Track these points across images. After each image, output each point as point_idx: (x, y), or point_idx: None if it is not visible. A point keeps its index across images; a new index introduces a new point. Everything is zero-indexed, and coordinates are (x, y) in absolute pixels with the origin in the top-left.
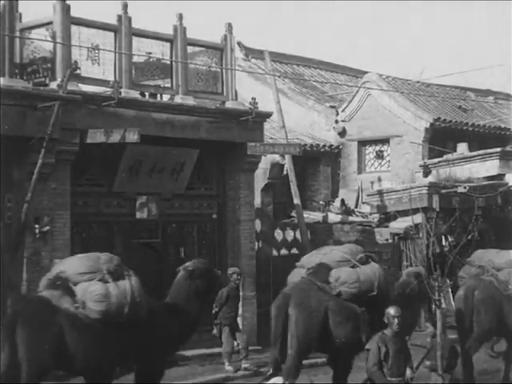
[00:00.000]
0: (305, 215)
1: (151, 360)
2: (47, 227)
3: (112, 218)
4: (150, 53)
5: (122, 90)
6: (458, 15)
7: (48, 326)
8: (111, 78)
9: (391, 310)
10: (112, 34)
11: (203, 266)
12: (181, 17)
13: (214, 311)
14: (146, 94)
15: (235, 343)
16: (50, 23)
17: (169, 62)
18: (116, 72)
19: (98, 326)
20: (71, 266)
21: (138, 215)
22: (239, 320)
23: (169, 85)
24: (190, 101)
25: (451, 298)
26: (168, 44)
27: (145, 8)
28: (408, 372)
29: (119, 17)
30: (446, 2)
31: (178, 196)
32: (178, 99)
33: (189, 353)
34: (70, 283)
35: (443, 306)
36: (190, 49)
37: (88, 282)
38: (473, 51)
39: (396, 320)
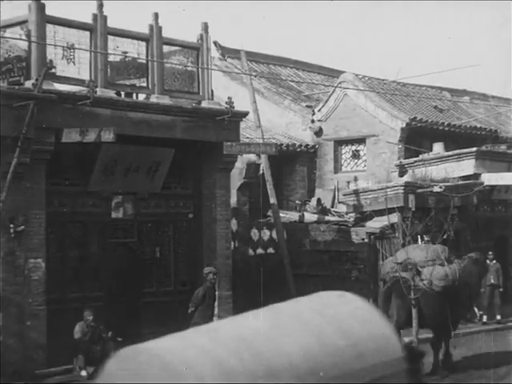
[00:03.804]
0: (281, 215)
1: (456, 318)
2: (22, 227)
3: (87, 218)
4: (126, 52)
5: (97, 89)
6: (436, 15)
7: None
8: (87, 77)
9: None
10: (87, 33)
11: (481, 257)
12: (156, 16)
13: (190, 311)
14: (122, 93)
15: None
16: (25, 22)
17: (145, 62)
18: (91, 71)
19: (439, 296)
20: (417, 254)
21: (114, 215)
22: (215, 320)
23: (145, 84)
24: (166, 100)
25: None
26: (144, 43)
27: (120, 7)
28: None
29: (95, 16)
30: (424, 2)
31: (154, 195)
32: (154, 98)
33: None
34: (418, 267)
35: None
36: (165, 48)
37: (432, 266)
38: (450, 51)
39: None
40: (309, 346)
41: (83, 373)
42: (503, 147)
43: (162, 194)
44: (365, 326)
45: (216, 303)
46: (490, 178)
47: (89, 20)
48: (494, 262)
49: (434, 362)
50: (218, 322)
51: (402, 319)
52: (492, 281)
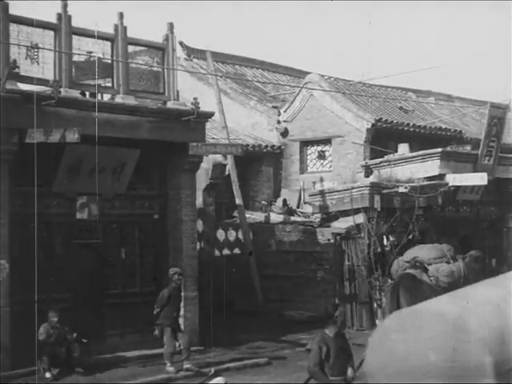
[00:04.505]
0: (247, 215)
1: None
2: None
3: (52, 219)
4: (91, 52)
5: (61, 89)
6: (402, 16)
7: (418, 292)
8: (51, 77)
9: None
10: (52, 32)
11: (482, 255)
12: (121, 16)
13: (155, 312)
14: (87, 93)
15: (177, 344)
16: None
17: (109, 62)
18: (56, 71)
19: (445, 291)
20: (424, 253)
21: (78, 215)
22: (181, 320)
23: (110, 84)
24: (131, 100)
25: None
26: (109, 43)
27: (85, 7)
28: (349, 371)
29: (59, 15)
30: (392, 3)
31: (119, 196)
32: (119, 99)
33: (130, 354)
34: (425, 264)
35: (384, 304)
36: (131, 48)
37: (439, 263)
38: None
39: (339, 320)
40: None
41: (47, 374)
42: (468, 148)
43: (127, 195)
44: None
45: (182, 304)
46: (454, 179)
47: (53, 20)
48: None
49: None
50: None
51: None
52: None
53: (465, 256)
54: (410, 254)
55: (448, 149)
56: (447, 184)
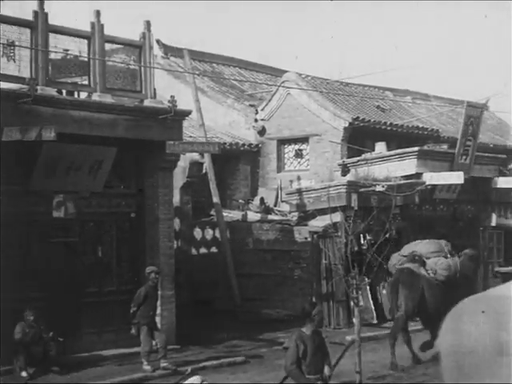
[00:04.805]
0: (224, 214)
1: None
2: None
3: (28, 217)
4: (67, 50)
5: (38, 87)
6: (380, 14)
7: (416, 286)
8: (27, 75)
9: (311, 308)
10: (28, 30)
11: (476, 253)
12: (98, 14)
13: (131, 310)
14: (64, 91)
15: (153, 342)
16: None
17: (86, 60)
18: (32, 69)
19: (441, 285)
20: (422, 247)
21: (55, 214)
22: (157, 319)
23: (86, 82)
24: (108, 99)
25: (369, 295)
26: (85, 41)
27: (62, 4)
28: (326, 370)
29: (35, 13)
30: (368, 2)
31: (96, 194)
32: (96, 97)
33: (107, 353)
34: (423, 258)
35: (361, 303)
36: (107, 46)
37: (437, 257)
38: (395, 51)
39: (316, 318)
40: None
41: (24, 374)
42: (445, 147)
43: (104, 193)
44: None
45: (158, 303)
46: (431, 178)
47: (30, 17)
48: None
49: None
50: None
51: (411, 310)
52: None
53: (460, 254)
54: (407, 249)
55: (425, 148)
56: (424, 183)
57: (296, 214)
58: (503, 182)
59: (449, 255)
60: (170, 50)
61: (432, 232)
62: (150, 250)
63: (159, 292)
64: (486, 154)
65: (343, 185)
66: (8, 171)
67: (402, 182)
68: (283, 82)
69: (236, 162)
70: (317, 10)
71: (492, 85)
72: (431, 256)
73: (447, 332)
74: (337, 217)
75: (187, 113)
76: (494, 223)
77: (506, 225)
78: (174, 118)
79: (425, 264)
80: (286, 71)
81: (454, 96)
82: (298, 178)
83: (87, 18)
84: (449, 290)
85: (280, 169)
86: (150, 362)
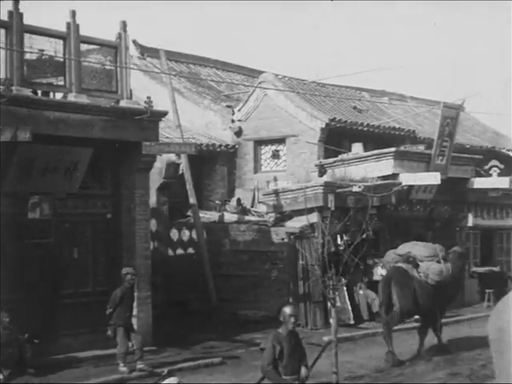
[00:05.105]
0: (201, 215)
1: (443, 309)
2: None
3: (3, 218)
4: (43, 50)
5: (13, 87)
6: (358, 15)
7: (408, 285)
8: (2, 76)
9: (287, 309)
10: (3, 30)
11: (464, 251)
12: (74, 14)
13: (108, 312)
14: (39, 91)
15: (130, 344)
16: None
17: (62, 60)
18: (7, 69)
19: (432, 288)
20: (418, 250)
21: (31, 215)
22: (134, 320)
23: (62, 83)
24: (84, 99)
25: (346, 296)
26: (61, 41)
27: (37, 4)
28: (303, 370)
29: (10, 13)
30: (346, 2)
31: (72, 195)
32: (72, 97)
33: (83, 354)
34: (417, 261)
35: (338, 304)
36: (83, 46)
37: (430, 261)
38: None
39: (292, 319)
40: None
41: None
42: (421, 147)
43: (79, 194)
44: None
45: (135, 304)
46: (408, 178)
47: (4, 17)
48: None
49: (419, 347)
50: None
51: (405, 309)
52: None
53: (449, 252)
54: (403, 249)
55: (402, 148)
56: (401, 183)
57: (273, 214)
58: (479, 183)
59: (442, 260)
60: (146, 51)
61: (409, 232)
62: (127, 251)
63: (135, 293)
64: (463, 155)
65: (320, 185)
66: None
67: (379, 182)
68: (260, 83)
69: (213, 163)
70: (295, 11)
71: (468, 86)
72: (425, 260)
73: (494, 321)
74: (314, 217)
75: (164, 113)
76: (470, 223)
77: (483, 225)
78: (150, 118)
79: (418, 266)
80: (263, 72)
81: (431, 97)
82: (275, 179)
83: (62, 18)
84: (438, 290)
85: (257, 170)
86: (127, 363)
